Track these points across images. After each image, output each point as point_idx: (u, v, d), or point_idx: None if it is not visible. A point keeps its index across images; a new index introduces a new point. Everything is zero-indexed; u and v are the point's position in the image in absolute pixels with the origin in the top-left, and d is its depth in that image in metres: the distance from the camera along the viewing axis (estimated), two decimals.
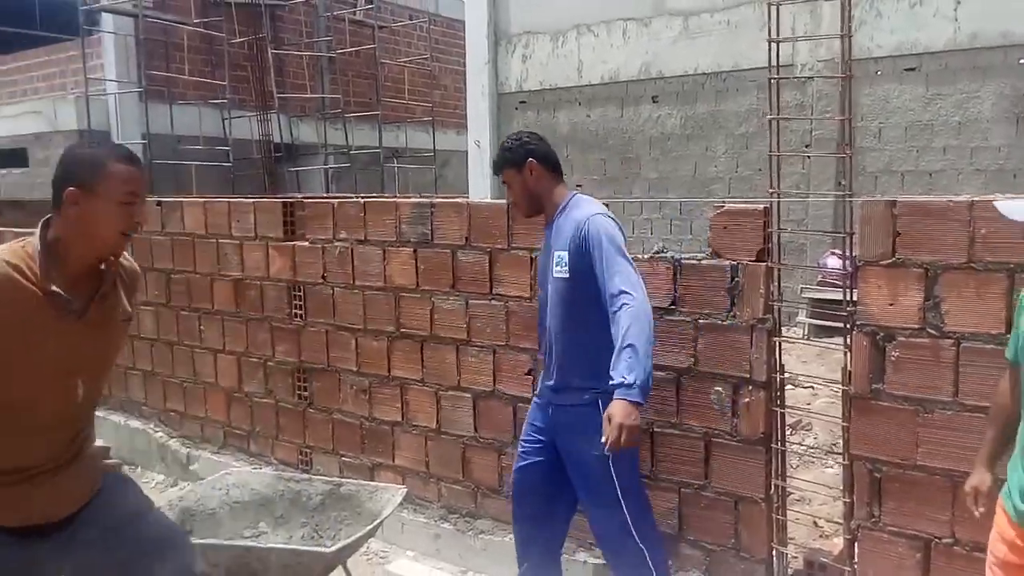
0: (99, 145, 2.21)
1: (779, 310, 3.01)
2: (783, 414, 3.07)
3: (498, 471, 3.76)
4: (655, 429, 3.25)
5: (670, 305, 3.15)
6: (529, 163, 2.97)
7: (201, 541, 2.93)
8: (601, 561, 3.42)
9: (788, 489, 3.16)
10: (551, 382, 2.97)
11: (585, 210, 2.87)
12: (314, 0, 13.83)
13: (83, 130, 10.97)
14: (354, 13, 14.12)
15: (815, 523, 3.72)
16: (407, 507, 3.91)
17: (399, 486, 3.38)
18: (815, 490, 3.76)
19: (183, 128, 11.61)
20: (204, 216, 4.82)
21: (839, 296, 2.94)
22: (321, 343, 4.35)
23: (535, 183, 2.98)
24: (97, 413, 3.66)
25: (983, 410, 2.45)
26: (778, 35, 3.01)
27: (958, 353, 2.57)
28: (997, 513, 2.10)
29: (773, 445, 3.01)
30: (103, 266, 2.13)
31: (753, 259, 2.95)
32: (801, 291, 7.55)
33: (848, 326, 2.81)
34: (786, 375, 3.09)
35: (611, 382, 2.57)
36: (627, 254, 2.77)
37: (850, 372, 2.81)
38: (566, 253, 2.82)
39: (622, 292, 2.64)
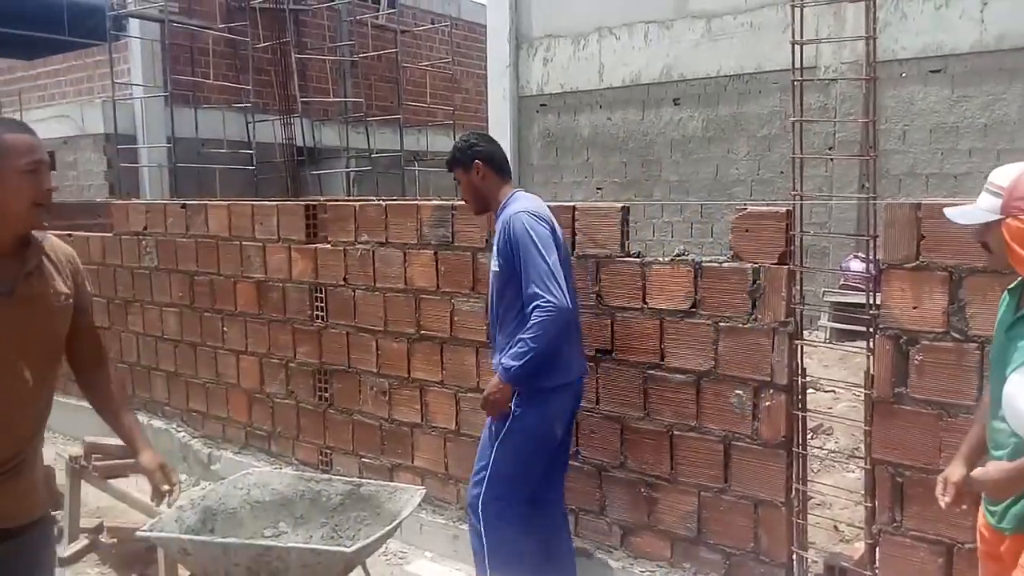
0: None
1: (801, 313, 2.99)
2: (804, 418, 3.04)
3: None
4: (674, 432, 3.24)
5: (690, 308, 3.14)
6: (476, 164, 3.15)
7: (222, 540, 2.96)
8: (619, 564, 3.41)
9: (809, 493, 3.13)
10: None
11: (511, 208, 3.05)
12: (337, 5, 13.94)
13: (109, 133, 11.12)
14: (376, 17, 14.21)
15: (836, 528, 3.69)
16: (426, 508, 3.92)
17: (418, 487, 3.39)
18: (836, 494, 3.72)
19: (207, 132, 11.75)
20: (228, 218, 4.87)
21: (862, 299, 2.91)
22: (342, 345, 4.38)
23: (481, 182, 3.17)
24: None
25: None
26: (802, 37, 3.00)
27: (983, 357, 2.53)
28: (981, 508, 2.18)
29: (794, 449, 2.99)
30: (25, 244, 2.06)
31: (775, 262, 2.93)
32: (823, 294, 7.50)
33: (871, 330, 2.79)
34: (808, 379, 3.06)
35: (501, 363, 2.96)
36: (545, 252, 2.91)
37: (873, 376, 2.79)
38: (496, 248, 3.05)
39: (536, 294, 2.87)
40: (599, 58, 9.24)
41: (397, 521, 3.12)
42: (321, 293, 4.46)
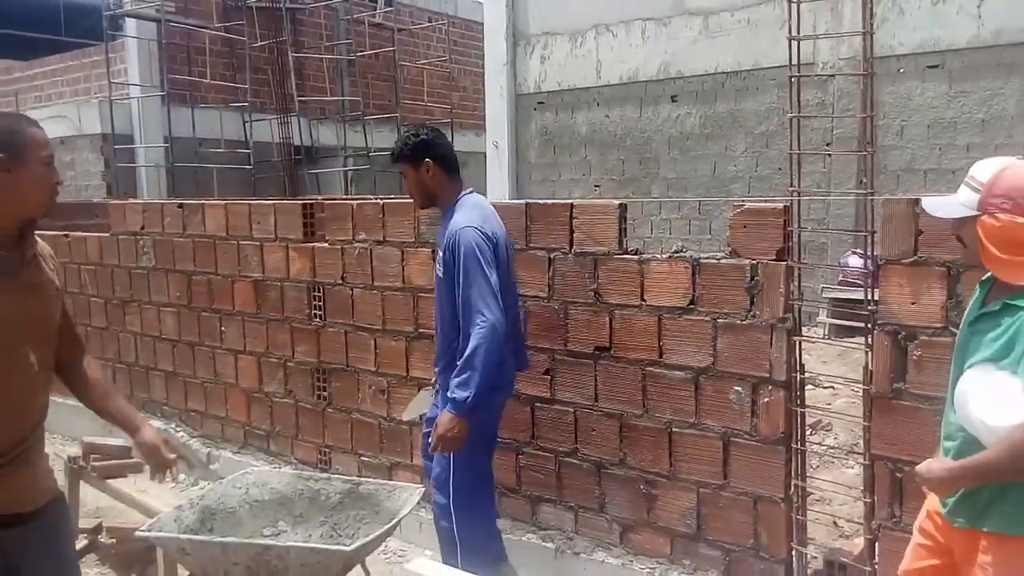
0: (2, 116, 2.24)
1: (799, 309, 2.99)
2: (803, 414, 3.04)
3: (516, 471, 3.77)
4: (673, 429, 3.24)
5: (688, 304, 3.14)
6: (426, 163, 3.17)
7: (221, 539, 2.96)
8: (619, 561, 3.41)
9: (808, 489, 3.13)
10: (438, 369, 3.27)
11: (459, 218, 3.09)
12: (334, 3, 13.91)
13: (106, 133, 11.10)
14: (373, 16, 14.19)
15: (835, 523, 3.69)
16: (425, 506, 3.91)
17: (417, 485, 3.38)
18: (835, 490, 3.72)
19: (204, 131, 11.73)
20: (225, 218, 4.87)
21: (861, 295, 2.91)
22: (340, 343, 4.38)
23: (430, 180, 3.19)
24: None
25: None
26: (799, 33, 2.99)
27: None
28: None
29: (793, 445, 2.99)
30: (24, 234, 2.15)
31: (773, 258, 2.93)
32: (822, 291, 7.49)
33: (869, 325, 2.79)
34: (806, 375, 3.06)
35: (448, 393, 2.96)
36: (487, 271, 2.97)
37: (871, 371, 2.79)
38: (442, 255, 3.10)
39: (477, 311, 2.93)
40: (596, 55, 9.24)
41: (396, 519, 3.11)
42: (319, 292, 4.45)
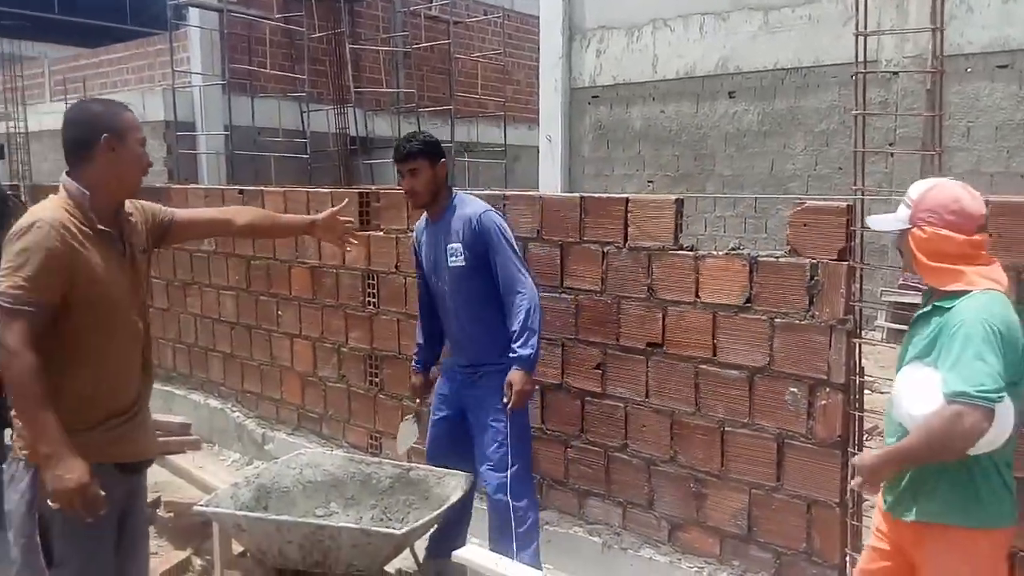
0: (99, 101, 2.47)
1: (860, 311, 2.93)
2: (861, 418, 2.99)
3: (564, 464, 3.77)
4: (726, 428, 3.21)
5: (745, 303, 3.11)
6: (442, 162, 3.35)
7: (276, 518, 3.04)
8: (666, 558, 3.40)
9: (864, 495, 3.08)
10: (463, 360, 3.42)
11: (474, 207, 3.31)
12: None
13: (169, 120, 11.38)
14: (430, 8, 14.26)
15: None
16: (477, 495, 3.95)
17: (466, 473, 3.43)
18: None
19: (263, 120, 11.94)
20: (284, 205, 4.96)
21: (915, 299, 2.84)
22: (393, 331, 4.43)
23: (441, 179, 3.36)
24: (179, 391, 3.87)
25: None
26: (866, 28, 2.93)
27: None
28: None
29: (850, 449, 2.94)
30: (118, 211, 2.37)
31: (834, 258, 2.88)
32: (881, 294, 7.33)
33: None
34: (865, 378, 3.01)
35: (512, 355, 3.16)
36: (513, 243, 3.28)
37: None
38: (460, 245, 3.26)
39: (517, 279, 3.20)
40: (653, 50, 9.15)
41: (445, 506, 3.16)
42: (373, 280, 4.52)
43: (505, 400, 3.18)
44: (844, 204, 2.90)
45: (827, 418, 2.94)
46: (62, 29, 20.24)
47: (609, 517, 3.64)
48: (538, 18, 10.43)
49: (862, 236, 2.95)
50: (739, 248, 3.23)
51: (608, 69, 9.56)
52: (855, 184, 2.99)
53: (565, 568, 3.68)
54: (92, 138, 2.24)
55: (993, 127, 7.49)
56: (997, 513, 2.15)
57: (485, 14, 15.41)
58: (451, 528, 3.56)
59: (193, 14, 11.92)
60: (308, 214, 4.79)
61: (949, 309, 2.11)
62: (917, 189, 2.23)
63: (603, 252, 3.53)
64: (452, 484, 3.36)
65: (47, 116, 13.08)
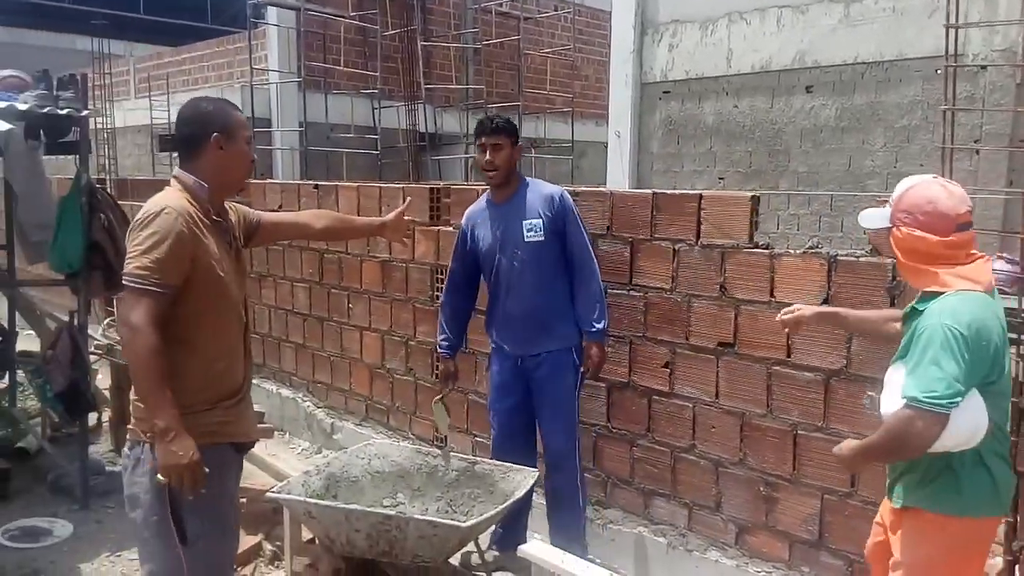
0: (211, 100, 2.53)
1: None
2: None
3: (630, 463, 3.74)
4: (799, 431, 3.13)
5: (822, 303, 3.02)
6: (519, 145, 3.56)
7: (346, 506, 3.09)
8: (733, 562, 3.34)
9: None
10: (522, 344, 3.55)
11: (551, 187, 3.55)
12: None
13: (248, 117, 11.69)
14: (501, 4, 14.29)
15: None
16: (538, 491, 3.95)
17: (531, 469, 3.43)
18: None
19: (336, 117, 12.17)
20: (357, 200, 5.05)
21: (1008, 303, 2.72)
22: None
23: (515, 162, 3.55)
24: (252, 380, 3.99)
25: None
26: (956, 20, 2.81)
27: None
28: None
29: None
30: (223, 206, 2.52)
31: None
32: None
33: (1021, 335, 2.60)
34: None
35: (591, 329, 3.42)
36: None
37: (1021, 383, 2.60)
38: (540, 221, 3.44)
39: (590, 259, 3.47)
40: (728, 43, 8.96)
41: (511, 500, 3.16)
42: (441, 274, 4.55)
43: (583, 369, 3.48)
44: None
45: None
46: (147, 28, 21.04)
47: (675, 518, 3.59)
48: (609, 13, 10.35)
49: None
50: (817, 247, 3.14)
51: (680, 63, 9.41)
52: None
53: (629, 568, 3.65)
54: (202, 136, 2.37)
55: None
56: (975, 503, 2.19)
57: (555, 9, 15.37)
58: (513, 522, 3.58)
59: (271, 13, 12.22)
60: (380, 210, 4.88)
61: (922, 311, 2.17)
62: (899, 188, 2.28)
63: (674, 249, 3.49)
64: (517, 479, 3.36)
65: (132, 112, 13.61)
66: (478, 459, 3.62)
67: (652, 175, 9.71)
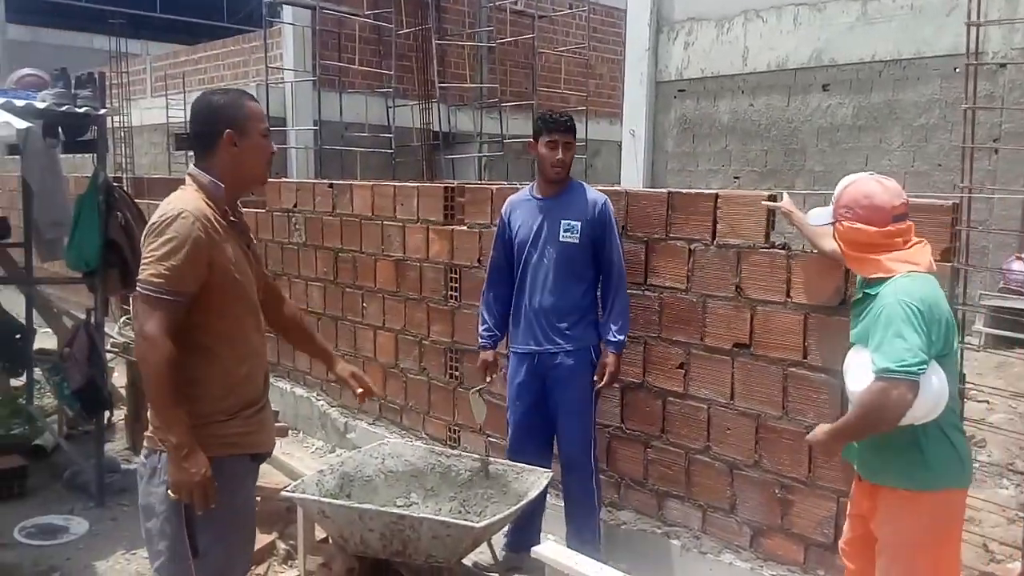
0: (223, 93, 2.41)
1: (963, 316, 2.79)
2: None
3: (643, 464, 3.72)
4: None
5: (840, 304, 2.99)
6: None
7: (359, 506, 3.09)
8: (747, 565, 3.32)
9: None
10: (540, 340, 3.52)
11: (597, 193, 3.54)
12: None
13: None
14: (515, 3, 14.27)
15: (985, 547, 3.44)
16: (552, 492, 3.94)
17: (545, 470, 3.42)
18: (988, 510, 3.47)
19: (351, 115, 12.20)
20: (371, 199, 5.05)
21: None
22: (474, 325, 4.43)
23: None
24: None
25: None
26: (979, 18, 2.77)
27: None
28: None
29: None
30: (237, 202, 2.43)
31: (938, 259, 2.74)
32: (980, 297, 6.97)
33: None
34: (963, 385, 2.85)
35: (612, 339, 3.44)
36: None
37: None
38: (579, 223, 3.44)
39: (622, 271, 3.49)
40: (743, 42, 8.91)
41: (524, 501, 3.16)
42: (455, 274, 4.55)
43: (596, 378, 3.48)
44: (951, 203, 2.76)
45: None
46: (163, 27, 21.18)
47: (688, 520, 3.57)
48: (623, 11, 10.32)
49: (967, 236, 2.80)
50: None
51: (696, 62, 9.37)
52: (962, 181, 2.84)
53: (642, 570, 3.63)
54: (214, 133, 2.27)
55: None
56: (943, 476, 2.34)
57: (570, 8, 15.34)
58: (527, 523, 3.57)
59: (287, 12, 12.27)
60: (395, 208, 4.89)
61: (875, 295, 2.33)
62: (839, 186, 2.45)
63: (689, 249, 3.47)
64: (531, 480, 3.35)
65: (148, 111, 13.70)
66: (491, 459, 3.62)
67: (667, 174, 9.67)
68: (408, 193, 4.82)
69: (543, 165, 3.52)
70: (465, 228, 4.49)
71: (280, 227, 5.82)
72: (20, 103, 4.21)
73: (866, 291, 2.41)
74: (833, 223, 2.46)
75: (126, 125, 11.92)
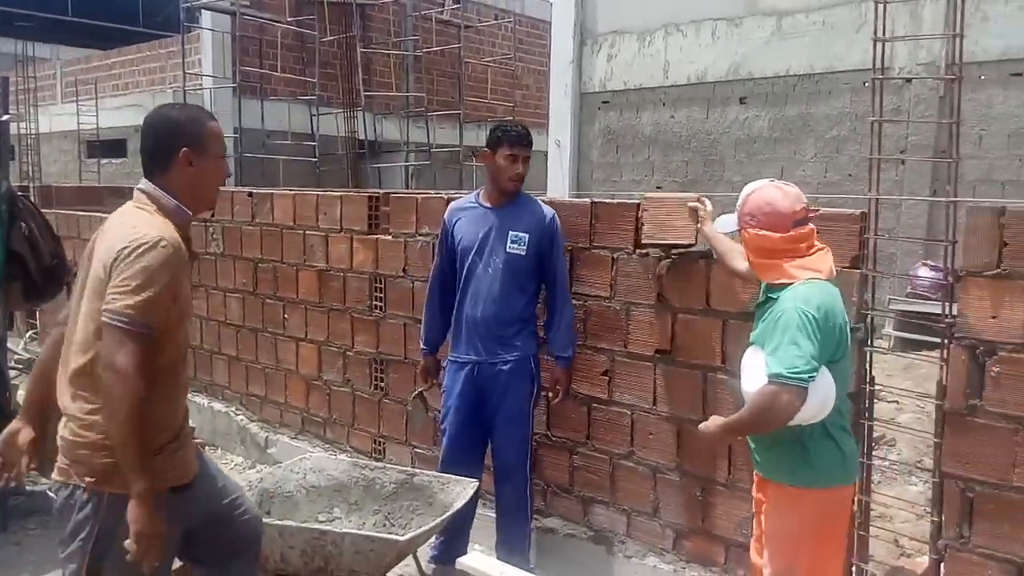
0: (182, 108, 2.33)
1: (872, 320, 2.90)
2: (871, 427, 2.95)
3: (569, 471, 3.74)
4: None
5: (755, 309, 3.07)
6: None
7: (278, 522, 3.01)
8: (671, 567, 3.36)
9: (871, 505, 3.04)
10: (480, 350, 3.48)
11: (545, 207, 3.54)
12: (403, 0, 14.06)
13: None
14: (441, 13, 14.28)
15: (896, 542, 3.58)
16: (482, 503, 3.91)
17: (471, 480, 3.39)
18: (898, 507, 3.61)
19: (273, 123, 11.98)
20: (293, 208, 4.95)
21: (931, 308, 2.82)
22: (399, 335, 4.41)
23: None
24: None
25: None
26: (884, 34, 2.90)
27: None
28: None
29: (859, 459, 2.89)
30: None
31: (847, 265, 2.84)
32: (888, 302, 7.27)
33: (946, 339, 2.68)
34: (874, 387, 2.96)
35: (563, 355, 3.49)
36: None
37: (945, 386, 2.68)
38: (527, 235, 3.43)
39: (567, 285, 3.53)
40: (664, 55, 9.13)
41: (450, 512, 3.13)
42: (380, 283, 4.50)
43: (551, 394, 3.57)
44: (859, 212, 2.86)
45: None
46: (74, 31, 20.39)
47: (614, 525, 3.60)
48: (549, 23, 10.45)
49: (875, 244, 2.91)
50: None
51: (619, 74, 9.55)
52: (869, 191, 2.95)
53: (568, 575, 3.65)
54: (170, 149, 2.16)
55: (1006, 135, 7.44)
56: (826, 475, 2.45)
57: (496, 18, 15.45)
58: (454, 535, 3.54)
59: (205, 17, 11.99)
60: (317, 218, 4.80)
61: (776, 299, 2.42)
62: (742, 194, 2.53)
63: (612, 258, 3.51)
64: (456, 490, 3.33)
65: (58, 117, 13.16)
66: (416, 470, 3.58)
67: (592, 184, 9.81)
68: (331, 202, 4.74)
69: (499, 176, 3.47)
70: (390, 238, 4.44)
71: (197, 237, 5.63)
72: None
73: (768, 295, 2.49)
74: (739, 230, 2.54)
75: (33, 132, 11.41)
